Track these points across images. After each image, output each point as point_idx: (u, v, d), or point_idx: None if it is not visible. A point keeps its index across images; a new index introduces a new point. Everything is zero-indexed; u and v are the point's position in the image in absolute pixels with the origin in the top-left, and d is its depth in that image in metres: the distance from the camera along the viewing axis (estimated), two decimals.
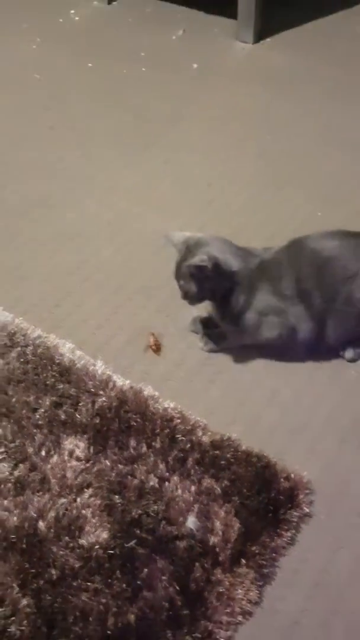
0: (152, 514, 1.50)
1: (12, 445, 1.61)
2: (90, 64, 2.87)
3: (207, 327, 1.88)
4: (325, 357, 1.83)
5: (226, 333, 1.83)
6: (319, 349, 1.81)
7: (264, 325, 1.76)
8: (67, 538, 1.46)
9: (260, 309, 1.75)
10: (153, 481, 1.55)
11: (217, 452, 1.60)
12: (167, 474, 1.56)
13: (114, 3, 3.20)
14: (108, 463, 1.58)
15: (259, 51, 2.93)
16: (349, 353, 1.83)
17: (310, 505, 1.54)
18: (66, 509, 1.50)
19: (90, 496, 1.52)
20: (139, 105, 2.67)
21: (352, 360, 1.83)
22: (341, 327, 1.77)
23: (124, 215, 2.24)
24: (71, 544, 1.45)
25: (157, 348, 1.85)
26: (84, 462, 1.58)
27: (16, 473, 1.56)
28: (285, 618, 1.40)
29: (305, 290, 1.74)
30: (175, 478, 1.55)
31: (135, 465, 1.57)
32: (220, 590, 1.40)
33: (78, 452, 1.59)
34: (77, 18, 3.13)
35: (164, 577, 1.41)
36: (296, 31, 3.02)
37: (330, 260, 1.73)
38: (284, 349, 1.81)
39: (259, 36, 2.96)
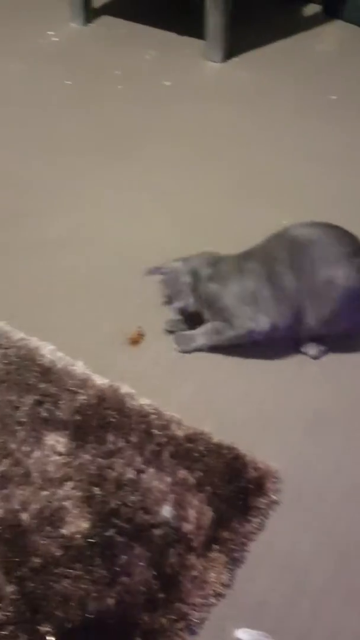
0: (130, 504, 1.50)
1: None
2: (68, 82, 2.88)
3: (181, 328, 1.89)
4: (291, 355, 1.85)
5: (195, 336, 1.85)
6: (293, 338, 1.83)
7: (236, 317, 1.79)
8: (49, 528, 1.45)
9: (232, 303, 1.78)
10: (130, 473, 1.55)
11: (190, 445, 1.61)
12: (144, 466, 1.57)
13: (90, 24, 3.20)
14: (88, 457, 1.58)
15: (227, 69, 2.95)
16: (313, 350, 1.85)
17: (277, 493, 1.56)
18: (48, 501, 1.50)
19: (71, 488, 1.52)
20: (115, 121, 2.68)
21: (316, 358, 1.85)
22: (316, 314, 1.75)
23: (104, 225, 2.24)
24: (53, 534, 1.45)
25: (134, 341, 1.87)
26: (64, 456, 1.58)
27: (0, 468, 1.56)
28: (255, 598, 1.41)
29: (278, 272, 1.75)
30: (151, 470, 1.56)
31: (114, 459, 1.58)
32: (194, 574, 1.41)
33: (59, 447, 1.59)
34: (55, 39, 3.13)
35: (141, 563, 1.41)
36: (261, 51, 3.05)
37: (309, 242, 1.75)
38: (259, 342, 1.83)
39: (227, 56, 2.98)
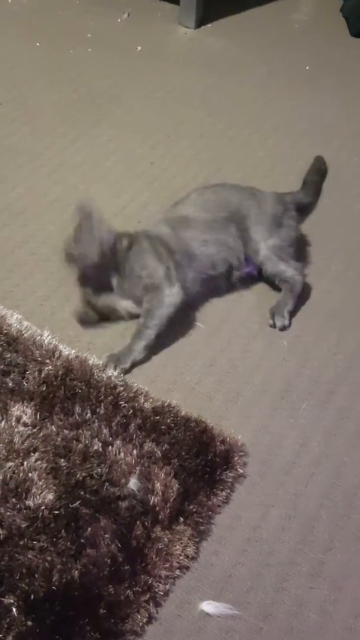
0: (96, 476, 1.49)
1: None
2: (38, 44, 2.80)
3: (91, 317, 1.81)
4: (259, 328, 1.84)
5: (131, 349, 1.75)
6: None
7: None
8: (14, 500, 1.44)
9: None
10: (97, 445, 1.53)
11: (158, 417, 1.60)
12: (111, 438, 1.55)
13: None
14: (54, 428, 1.56)
15: (200, 36, 2.89)
16: (279, 321, 1.84)
17: (244, 467, 1.56)
18: (13, 472, 1.48)
19: (37, 460, 1.50)
20: (85, 85, 2.61)
21: (283, 328, 1.84)
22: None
23: (71, 191, 2.19)
24: (18, 505, 1.43)
25: None
26: (30, 427, 1.56)
27: None
28: (220, 571, 1.41)
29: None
30: (118, 442, 1.55)
31: (80, 431, 1.56)
32: (160, 546, 1.40)
33: (25, 418, 1.57)
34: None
35: (106, 535, 1.40)
36: (235, 18, 2.99)
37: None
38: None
39: (200, 22, 2.92)
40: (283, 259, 1.89)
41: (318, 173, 2.23)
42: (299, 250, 1.99)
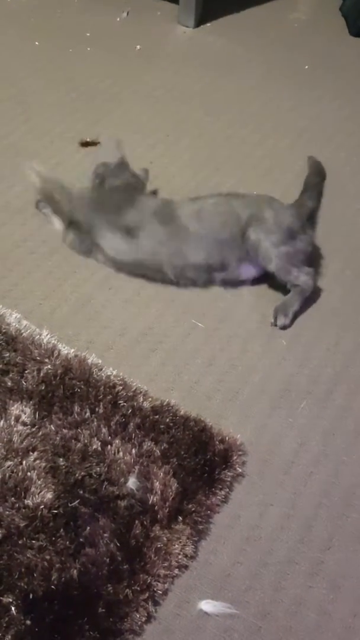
0: (95, 476, 1.49)
1: None
2: (37, 42, 2.80)
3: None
4: (258, 328, 1.85)
5: None
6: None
7: None
8: (13, 499, 1.44)
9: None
10: (96, 444, 1.54)
11: (157, 416, 1.60)
12: (110, 437, 1.56)
13: None
14: (53, 428, 1.56)
15: (199, 35, 2.90)
16: (280, 320, 1.84)
17: (243, 466, 1.56)
18: (12, 472, 1.48)
19: (36, 459, 1.50)
20: (84, 84, 2.61)
21: (284, 327, 1.84)
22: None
23: None
24: (17, 505, 1.43)
25: (85, 144, 2.15)
26: (29, 426, 1.56)
27: None
28: (219, 570, 1.42)
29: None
30: (117, 441, 1.55)
31: (79, 430, 1.56)
32: (159, 545, 1.41)
33: (24, 417, 1.57)
34: None
35: (105, 535, 1.41)
36: (234, 17, 3.00)
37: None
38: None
39: (199, 21, 2.93)
40: (295, 265, 1.87)
41: (319, 175, 2.21)
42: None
